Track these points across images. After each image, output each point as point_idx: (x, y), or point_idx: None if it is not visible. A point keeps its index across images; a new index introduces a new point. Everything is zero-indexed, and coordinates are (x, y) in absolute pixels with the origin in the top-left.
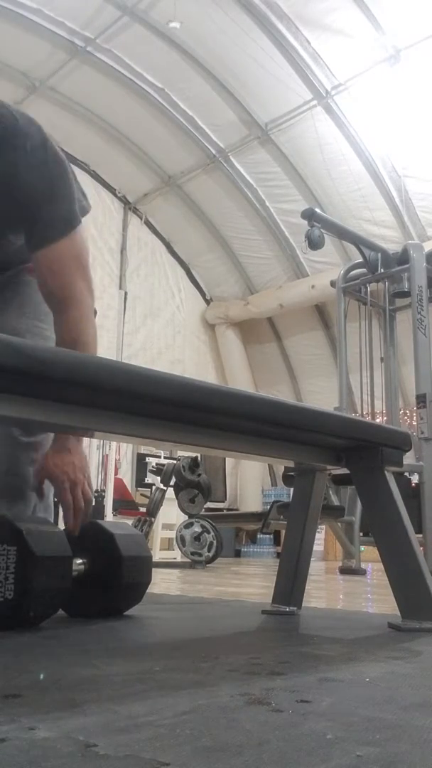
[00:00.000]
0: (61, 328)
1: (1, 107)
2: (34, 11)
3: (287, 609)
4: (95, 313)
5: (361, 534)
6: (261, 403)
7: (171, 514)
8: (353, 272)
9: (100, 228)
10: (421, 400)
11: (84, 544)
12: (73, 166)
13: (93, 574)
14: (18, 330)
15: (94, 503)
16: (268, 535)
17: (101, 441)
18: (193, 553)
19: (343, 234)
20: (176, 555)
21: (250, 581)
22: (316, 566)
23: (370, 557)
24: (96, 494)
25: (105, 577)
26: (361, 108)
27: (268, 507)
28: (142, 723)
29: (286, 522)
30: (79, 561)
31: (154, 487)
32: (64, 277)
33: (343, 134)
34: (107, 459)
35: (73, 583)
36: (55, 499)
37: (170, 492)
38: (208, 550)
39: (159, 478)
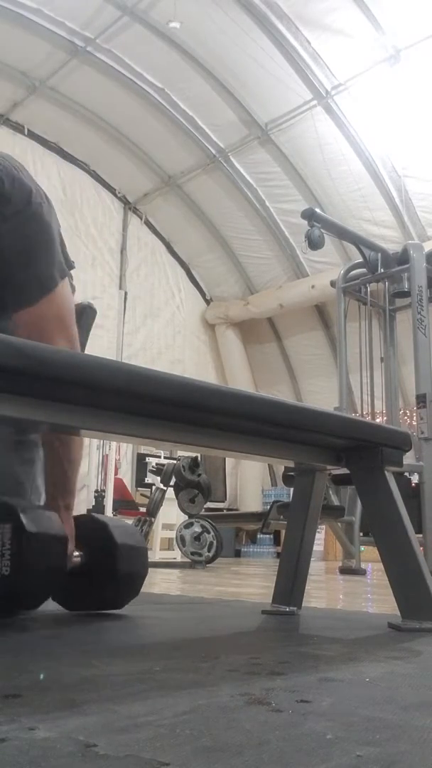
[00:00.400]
0: None
1: None
2: (34, 11)
3: (287, 609)
4: (94, 315)
5: (361, 534)
6: (261, 403)
7: (171, 514)
8: (353, 272)
9: (100, 228)
10: (421, 400)
11: (79, 537)
12: (72, 166)
13: (89, 564)
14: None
15: (91, 506)
16: (268, 535)
17: (101, 441)
18: (193, 553)
19: (343, 234)
20: (176, 555)
21: (250, 581)
22: (316, 566)
23: (370, 557)
24: (96, 494)
25: (100, 567)
26: (361, 108)
27: (268, 507)
28: (142, 723)
29: (286, 522)
30: (76, 553)
31: (154, 487)
32: (43, 338)
33: (343, 134)
34: (107, 459)
35: (69, 576)
36: None
37: (170, 492)
38: (208, 550)
39: (159, 478)
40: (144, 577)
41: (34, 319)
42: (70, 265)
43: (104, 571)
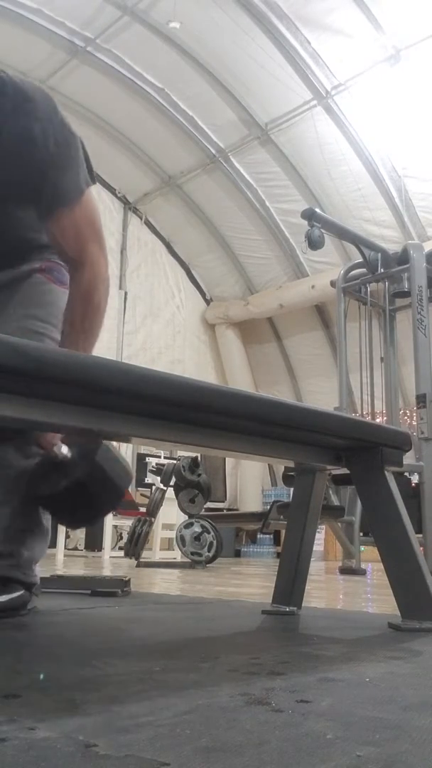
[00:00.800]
0: (75, 288)
1: (9, 77)
2: (34, 11)
3: (287, 609)
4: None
5: (361, 534)
6: (261, 403)
7: (171, 514)
8: (353, 272)
9: None
10: (421, 400)
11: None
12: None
13: (74, 459)
14: (23, 330)
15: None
16: (268, 535)
17: None
18: (193, 553)
19: (343, 234)
20: (176, 555)
21: (250, 581)
22: (316, 566)
23: (370, 557)
24: None
25: (82, 457)
26: (361, 108)
27: (268, 507)
28: (142, 723)
29: (286, 522)
30: (65, 449)
31: (154, 487)
32: (78, 242)
33: (343, 134)
34: None
35: (55, 470)
36: None
37: (170, 492)
38: (208, 550)
39: (159, 478)
40: (127, 480)
41: (70, 223)
42: (94, 179)
43: (84, 458)
